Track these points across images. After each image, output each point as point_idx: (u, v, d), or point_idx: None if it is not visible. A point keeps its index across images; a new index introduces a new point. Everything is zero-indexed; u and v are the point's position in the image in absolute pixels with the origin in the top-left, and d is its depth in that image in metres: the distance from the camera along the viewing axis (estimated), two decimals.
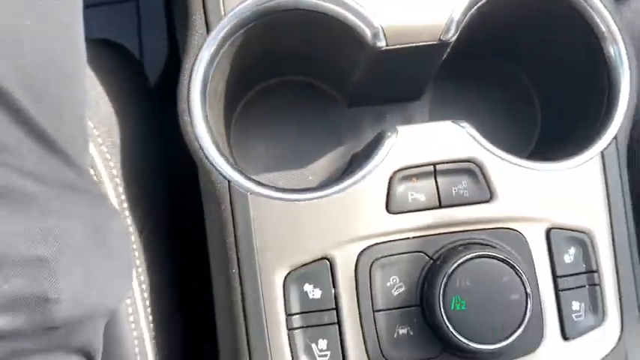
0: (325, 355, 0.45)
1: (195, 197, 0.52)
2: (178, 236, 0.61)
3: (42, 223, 0.32)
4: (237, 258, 0.45)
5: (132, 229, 0.50)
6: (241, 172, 0.46)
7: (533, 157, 0.52)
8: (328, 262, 0.45)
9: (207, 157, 0.45)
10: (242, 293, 0.45)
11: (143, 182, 0.54)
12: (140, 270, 0.50)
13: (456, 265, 0.43)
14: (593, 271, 0.48)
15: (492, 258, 0.43)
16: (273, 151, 0.57)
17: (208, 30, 0.46)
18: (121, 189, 0.49)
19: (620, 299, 0.48)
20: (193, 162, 0.49)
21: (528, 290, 0.43)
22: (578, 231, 0.48)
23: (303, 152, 0.57)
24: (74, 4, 0.38)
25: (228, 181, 0.45)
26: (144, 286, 0.50)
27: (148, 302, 0.50)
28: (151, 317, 0.50)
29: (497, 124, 0.57)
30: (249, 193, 0.45)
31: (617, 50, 0.50)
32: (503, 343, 0.43)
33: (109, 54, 0.59)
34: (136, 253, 0.50)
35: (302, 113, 0.57)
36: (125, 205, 0.49)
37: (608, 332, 0.48)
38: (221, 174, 0.45)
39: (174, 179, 0.63)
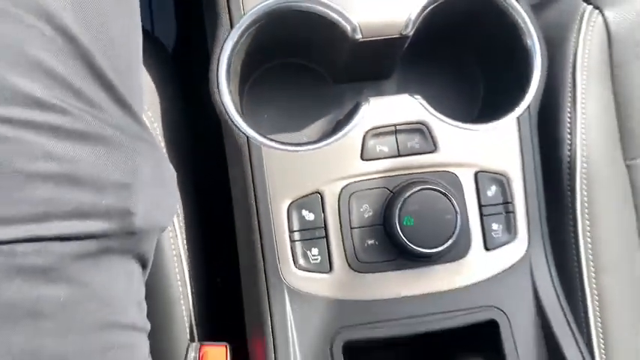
0: (317, 259, 0.55)
1: (216, 150, 0.60)
2: (202, 181, 0.67)
3: (126, 160, 0.36)
4: (254, 193, 0.55)
5: None
6: (256, 131, 0.55)
7: (477, 120, 0.60)
8: (319, 195, 0.55)
9: (232, 120, 0.55)
10: (258, 217, 0.54)
11: (176, 138, 0.60)
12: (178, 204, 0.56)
13: (408, 194, 0.53)
14: (508, 202, 0.57)
15: (434, 190, 0.53)
16: (275, 117, 0.64)
17: (232, 26, 0.56)
18: (163, 144, 0.57)
19: (527, 222, 0.57)
20: (216, 122, 0.56)
21: (457, 212, 0.53)
22: (498, 173, 0.57)
23: (299, 118, 0.64)
24: None
25: (247, 137, 0.55)
26: (180, 217, 0.58)
27: (183, 229, 0.58)
28: (185, 240, 0.58)
29: (449, 96, 0.66)
30: (262, 146, 0.55)
31: (533, 42, 0.59)
32: (440, 248, 0.53)
33: None
34: None
35: (298, 88, 0.64)
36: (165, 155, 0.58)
37: (518, 245, 0.57)
38: (242, 131, 0.55)
39: (196, 136, 0.69)
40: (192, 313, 0.59)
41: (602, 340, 0.63)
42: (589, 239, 0.63)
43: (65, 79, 0.34)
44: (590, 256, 0.63)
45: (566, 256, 0.64)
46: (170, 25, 0.98)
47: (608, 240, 0.64)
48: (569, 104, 0.64)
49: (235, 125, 0.56)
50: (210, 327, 0.61)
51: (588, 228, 0.63)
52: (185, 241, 0.58)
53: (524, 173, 0.58)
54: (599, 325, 0.63)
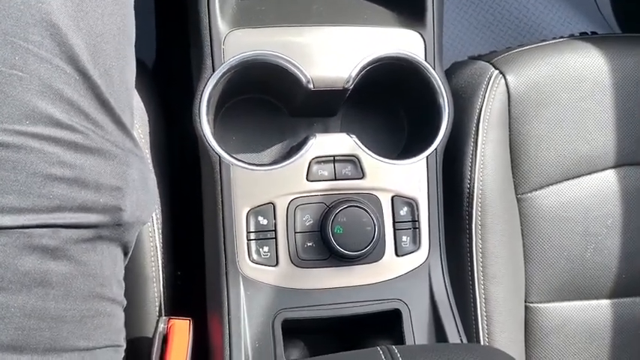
0: (267, 255, 0.63)
1: (190, 164, 0.66)
2: (178, 189, 0.73)
3: (120, 169, 0.40)
4: (222, 200, 0.62)
5: None
6: (227, 152, 0.62)
7: (400, 155, 0.69)
8: (272, 205, 0.63)
9: (208, 143, 0.63)
10: (223, 220, 0.62)
11: (158, 152, 0.65)
12: (157, 206, 0.63)
13: (339, 209, 0.62)
14: (415, 221, 0.67)
15: (359, 207, 0.63)
16: (242, 140, 0.70)
17: (214, 70, 0.63)
18: (148, 156, 0.62)
19: (429, 237, 0.67)
20: (192, 142, 0.63)
21: (376, 225, 0.62)
22: (410, 198, 0.67)
23: (261, 142, 0.70)
24: None
25: (219, 156, 0.62)
26: (158, 215, 0.64)
27: (160, 226, 0.64)
28: (161, 235, 0.64)
29: (380, 134, 0.73)
30: (231, 164, 0.62)
31: (443, 100, 0.69)
32: (361, 252, 0.63)
33: None
34: None
35: (262, 118, 0.70)
36: (151, 167, 0.58)
37: (421, 254, 0.67)
38: (215, 152, 0.62)
39: (175, 151, 0.74)
40: (162, 294, 0.64)
41: (486, 333, 0.72)
42: (480, 253, 0.72)
43: (79, 106, 0.39)
44: (480, 267, 0.72)
45: (462, 267, 0.72)
46: (149, 44, 1.02)
47: (496, 254, 0.72)
48: (471, 147, 0.73)
49: (210, 147, 0.63)
50: (176, 306, 0.67)
51: (480, 245, 0.72)
52: (161, 236, 0.64)
53: (430, 199, 0.67)
54: (485, 320, 0.72)
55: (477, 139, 0.74)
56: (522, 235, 0.75)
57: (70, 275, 0.38)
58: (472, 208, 0.72)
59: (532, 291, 0.74)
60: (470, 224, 0.73)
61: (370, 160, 0.66)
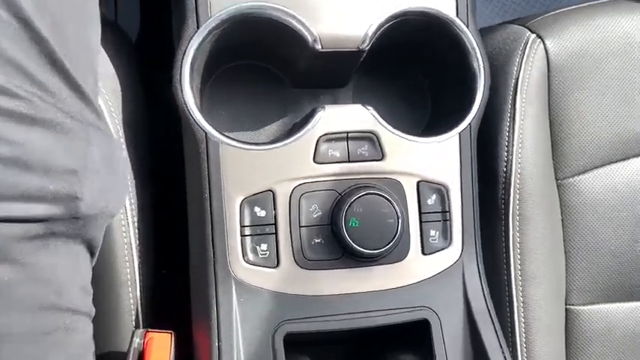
0: (265, 254, 0.56)
1: (175, 144, 0.59)
2: (160, 173, 0.67)
3: (75, 146, 0.36)
4: (209, 188, 0.55)
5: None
6: (214, 127, 0.55)
7: (423, 133, 0.62)
8: (272, 193, 0.56)
9: (192, 116, 0.55)
10: (211, 211, 0.55)
11: (136, 128, 0.60)
12: (131, 192, 0.57)
13: (355, 198, 0.54)
14: (446, 211, 0.59)
15: (379, 195, 0.55)
16: (234, 116, 0.63)
17: (198, 26, 0.56)
18: (120, 133, 0.56)
19: (462, 231, 0.60)
20: (176, 117, 0.56)
21: (399, 216, 0.55)
22: (439, 184, 0.59)
23: (257, 119, 0.64)
24: None
25: (205, 133, 0.55)
26: (132, 201, 0.57)
27: (135, 218, 0.58)
28: (137, 230, 0.58)
29: (399, 108, 0.67)
30: (220, 142, 0.55)
31: (478, 65, 0.61)
32: (381, 250, 0.55)
33: None
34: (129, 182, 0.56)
35: (258, 89, 0.64)
36: (123, 146, 0.56)
37: (453, 252, 0.60)
38: (201, 127, 0.55)
39: (157, 129, 0.68)
40: (140, 301, 0.59)
41: (524, 342, 0.66)
42: (518, 249, 0.66)
43: (19, 64, 0.33)
44: (518, 266, 0.66)
45: (496, 265, 0.66)
46: (134, 15, 0.98)
47: (536, 250, 0.66)
48: (507, 123, 0.66)
49: (195, 121, 0.56)
50: (157, 315, 0.61)
51: (518, 239, 0.66)
52: (137, 231, 0.58)
53: (462, 185, 0.60)
54: (523, 328, 0.66)
55: (513, 114, 0.67)
56: (562, 226, 0.69)
57: (13, 282, 0.34)
58: (509, 195, 0.66)
59: (573, 291, 0.69)
60: (506, 214, 0.66)
61: (391, 138, 0.58)
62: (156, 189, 0.66)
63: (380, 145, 0.59)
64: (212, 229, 0.55)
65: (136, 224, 0.58)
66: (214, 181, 0.55)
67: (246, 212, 0.56)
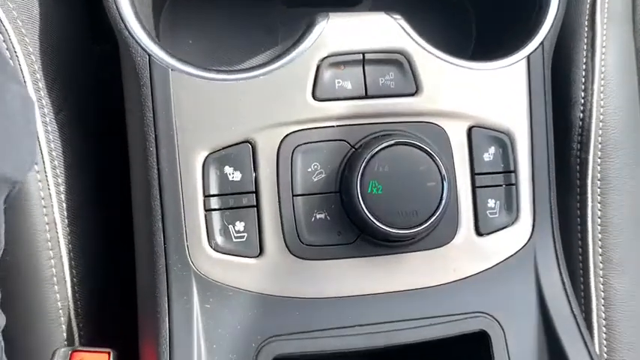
0: (242, 237, 0.45)
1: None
2: (107, 125, 0.59)
3: None
4: (155, 136, 0.44)
5: (48, 109, 0.49)
6: (163, 47, 0.45)
7: (474, 59, 0.52)
8: (250, 146, 0.45)
9: (127, 28, 0.44)
10: (159, 172, 0.44)
11: (63, 60, 0.52)
12: (54, 153, 0.49)
13: (375, 150, 0.44)
14: (510, 171, 0.49)
15: (412, 145, 0.44)
16: (206, 49, 0.56)
17: None
18: (36, 66, 0.48)
19: (533, 200, 0.50)
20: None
21: (445, 178, 0.44)
22: (499, 131, 0.49)
23: (238, 52, 0.56)
24: None
25: (149, 55, 0.44)
26: (57, 170, 0.50)
27: (62, 188, 0.50)
28: (65, 204, 0.51)
29: (435, 27, 0.57)
30: (170, 69, 0.44)
31: None
32: (417, 229, 0.44)
33: None
34: (50, 136, 0.49)
35: (238, 10, 0.57)
36: (41, 83, 0.48)
37: (520, 231, 0.50)
38: (141, 46, 0.44)
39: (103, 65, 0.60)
40: (71, 305, 0.52)
41: (604, 346, 0.59)
42: (599, 226, 0.58)
43: None
44: (599, 249, 0.58)
45: (568, 247, 0.58)
46: None
47: (622, 228, 0.59)
48: (584, 53, 0.57)
49: (133, 37, 0.45)
50: (98, 323, 0.55)
51: (599, 212, 0.58)
52: (65, 212, 0.51)
53: (533, 132, 0.50)
54: (604, 328, 0.58)
55: (593, 40, 0.57)
56: None
57: None
58: (588, 151, 0.57)
59: None
60: (582, 178, 0.58)
61: (430, 62, 0.48)
62: (103, 158, 0.60)
63: (413, 71, 0.48)
64: (161, 199, 0.45)
65: (65, 205, 0.51)
66: (162, 128, 0.45)
67: (213, 174, 0.46)
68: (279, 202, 0.46)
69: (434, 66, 0.48)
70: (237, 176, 0.45)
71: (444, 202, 0.45)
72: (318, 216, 0.46)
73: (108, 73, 0.58)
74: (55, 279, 0.49)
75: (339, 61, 0.46)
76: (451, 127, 0.48)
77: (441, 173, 0.45)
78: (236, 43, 0.56)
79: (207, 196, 0.45)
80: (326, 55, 0.46)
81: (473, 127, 0.49)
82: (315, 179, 0.46)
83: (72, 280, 0.51)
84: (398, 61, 0.47)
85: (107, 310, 0.58)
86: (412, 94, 0.47)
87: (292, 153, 0.46)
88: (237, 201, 0.45)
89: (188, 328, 0.44)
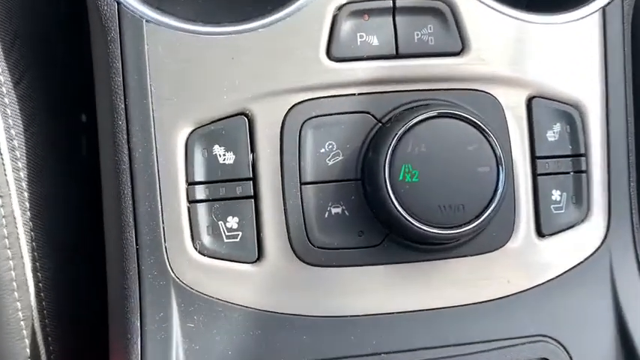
0: (235, 236, 0.38)
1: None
2: (81, 102, 0.52)
3: None
4: (125, 106, 0.37)
5: (4, 77, 0.42)
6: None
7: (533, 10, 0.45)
8: (246, 119, 0.38)
9: None
10: (130, 153, 0.37)
11: (23, 17, 0.45)
12: (13, 131, 0.43)
13: (409, 125, 0.36)
14: (580, 155, 0.42)
15: (457, 118, 0.36)
16: (198, 5, 0.47)
17: None
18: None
19: (609, 191, 0.43)
20: None
21: (502, 161, 0.35)
22: (567, 103, 0.42)
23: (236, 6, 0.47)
24: None
25: (118, 3, 0.38)
26: (17, 152, 0.43)
27: (22, 174, 0.44)
28: (27, 194, 0.45)
29: None
30: (144, 20, 0.38)
31: None
32: (464, 228, 0.36)
33: None
34: (8, 110, 0.43)
35: None
36: None
37: (592, 230, 0.43)
38: None
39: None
40: (36, 315, 0.46)
41: None
42: None
43: None
44: None
45: None
46: None
47: None
48: None
49: None
50: (70, 342, 0.50)
51: None
52: (28, 200, 0.46)
53: (609, 105, 0.43)
54: None
55: None
56: None
57: None
58: None
59: None
60: None
61: (479, 11, 0.40)
62: (81, 146, 0.55)
63: (458, 24, 0.40)
64: (132, 188, 0.39)
65: (27, 194, 0.46)
66: (134, 97, 0.38)
67: (199, 156, 0.39)
68: (284, 192, 0.39)
69: (484, 18, 0.40)
70: (229, 158, 0.38)
71: (499, 193, 0.36)
72: (333, 210, 0.39)
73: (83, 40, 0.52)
74: (14, 284, 0.44)
75: (362, 8, 0.39)
76: (506, 96, 0.40)
77: (496, 156, 0.36)
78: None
79: (191, 183, 0.39)
80: (345, 1, 0.39)
81: (534, 97, 0.41)
82: (331, 163, 0.39)
83: (37, 286, 0.46)
84: (439, 11, 0.39)
85: (82, 321, 0.53)
86: (457, 54, 0.40)
87: (301, 128, 0.39)
88: (230, 190, 0.38)
89: (165, 354, 0.38)
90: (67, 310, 0.52)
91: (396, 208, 0.36)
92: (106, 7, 0.38)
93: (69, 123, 0.55)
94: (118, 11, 0.38)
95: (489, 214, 0.36)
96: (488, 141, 0.37)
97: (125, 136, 0.38)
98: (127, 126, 0.38)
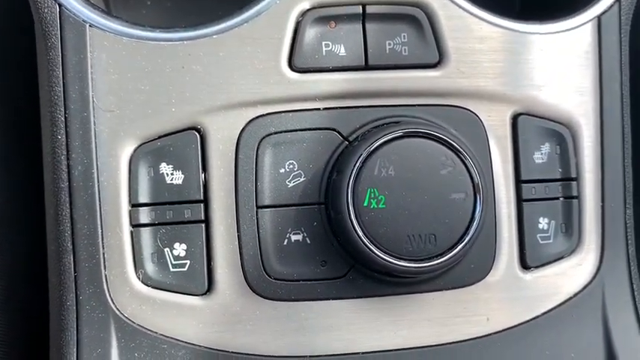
0: (182, 265, 0.35)
1: None
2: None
3: None
4: (65, 118, 0.34)
5: None
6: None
7: (522, 19, 0.42)
8: (198, 135, 0.36)
9: None
10: (69, 170, 0.34)
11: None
12: None
13: (375, 145, 0.32)
14: (571, 179, 0.39)
15: (429, 138, 0.32)
16: (163, 13, 0.46)
17: None
18: None
19: (602, 220, 0.40)
20: None
21: (479, 188, 0.32)
22: (557, 121, 0.39)
23: (205, 10, 0.44)
24: None
25: (59, 5, 0.35)
26: None
27: None
28: None
29: None
30: (87, 25, 0.34)
31: None
32: (435, 262, 0.33)
33: None
34: None
35: None
36: None
37: (583, 263, 0.39)
38: None
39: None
40: None
41: None
42: None
43: None
44: None
45: None
46: None
47: None
48: None
49: None
50: None
51: None
52: None
53: (604, 123, 0.40)
54: None
55: None
56: None
57: None
58: None
59: None
60: None
61: (458, 18, 0.37)
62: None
63: (435, 32, 0.37)
64: (70, 210, 0.35)
65: None
66: (74, 108, 0.35)
67: (143, 175, 0.36)
68: (238, 216, 0.36)
69: (465, 26, 0.37)
70: (177, 178, 0.35)
71: (475, 223, 0.34)
72: (293, 237, 0.36)
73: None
74: None
75: (328, 14, 0.36)
76: (489, 113, 0.38)
77: (472, 181, 0.33)
78: (202, 4, 0.46)
79: (134, 205, 0.35)
80: (309, 6, 0.36)
81: (519, 114, 0.38)
82: (291, 185, 0.36)
83: None
84: (414, 18, 0.36)
85: (42, 344, 0.48)
86: (433, 66, 0.37)
87: (258, 146, 0.36)
88: (178, 213, 0.35)
89: None
90: (22, 333, 0.47)
91: (359, 236, 0.33)
92: (46, 10, 0.35)
93: (33, 127, 0.54)
94: (60, 15, 0.35)
95: (464, 246, 0.33)
96: (465, 164, 0.34)
97: (65, 152, 0.35)
98: (67, 140, 0.35)
